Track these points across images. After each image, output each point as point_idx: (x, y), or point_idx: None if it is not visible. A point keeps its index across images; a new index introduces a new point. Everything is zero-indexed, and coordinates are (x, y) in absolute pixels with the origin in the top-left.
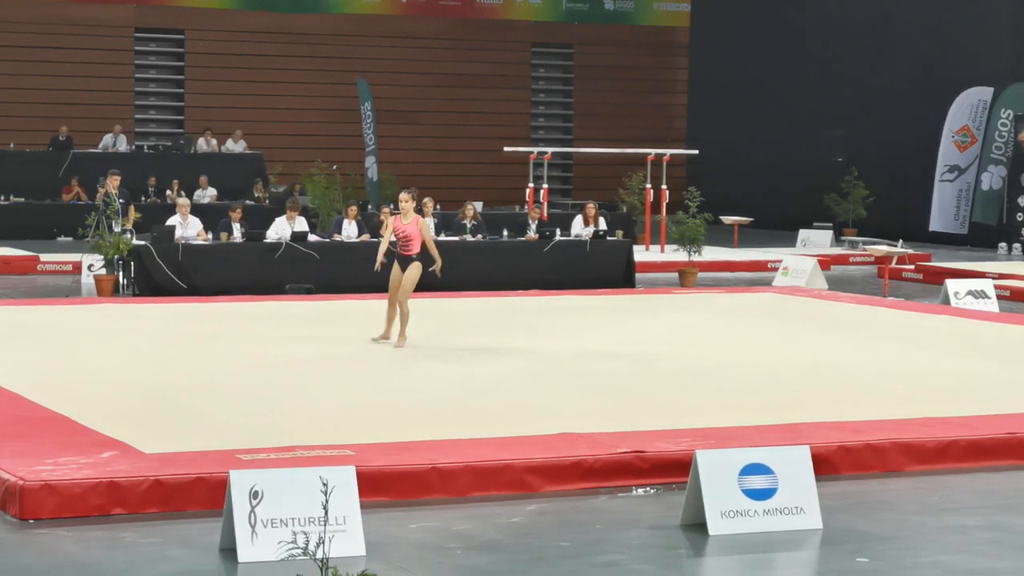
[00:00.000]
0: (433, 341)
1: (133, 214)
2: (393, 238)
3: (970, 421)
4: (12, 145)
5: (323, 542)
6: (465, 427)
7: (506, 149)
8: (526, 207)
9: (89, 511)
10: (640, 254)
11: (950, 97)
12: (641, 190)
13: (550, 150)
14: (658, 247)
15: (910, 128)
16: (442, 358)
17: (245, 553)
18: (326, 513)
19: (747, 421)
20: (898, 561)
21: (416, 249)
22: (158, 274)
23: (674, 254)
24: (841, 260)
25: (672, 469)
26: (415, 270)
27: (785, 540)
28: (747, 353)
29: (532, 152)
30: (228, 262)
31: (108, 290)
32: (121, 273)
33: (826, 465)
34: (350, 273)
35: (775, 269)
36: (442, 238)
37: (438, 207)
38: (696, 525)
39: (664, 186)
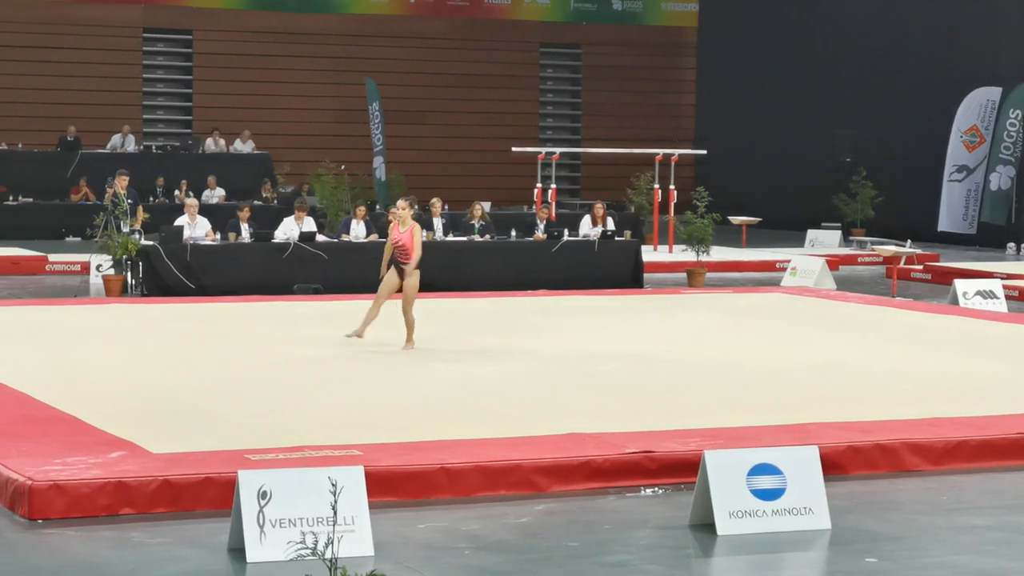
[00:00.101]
0: (441, 341)
1: (141, 214)
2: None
3: (979, 421)
4: (20, 145)
5: (332, 542)
6: (473, 427)
7: (514, 149)
8: (534, 207)
9: (97, 511)
10: (648, 254)
11: (958, 97)
12: (649, 190)
13: (558, 150)
14: (666, 247)
15: (918, 128)
16: (450, 358)
17: (254, 553)
18: (335, 513)
19: (756, 421)
20: (907, 561)
21: (414, 258)
22: (166, 274)
23: (682, 254)
24: (849, 260)
25: (680, 469)
26: (415, 280)
27: (794, 540)
28: (755, 353)
29: (540, 152)
30: (236, 262)
31: (116, 290)
32: (129, 273)
33: (835, 465)
34: (358, 273)
35: (783, 269)
36: (450, 238)
37: (446, 207)
38: (704, 525)
39: (672, 186)
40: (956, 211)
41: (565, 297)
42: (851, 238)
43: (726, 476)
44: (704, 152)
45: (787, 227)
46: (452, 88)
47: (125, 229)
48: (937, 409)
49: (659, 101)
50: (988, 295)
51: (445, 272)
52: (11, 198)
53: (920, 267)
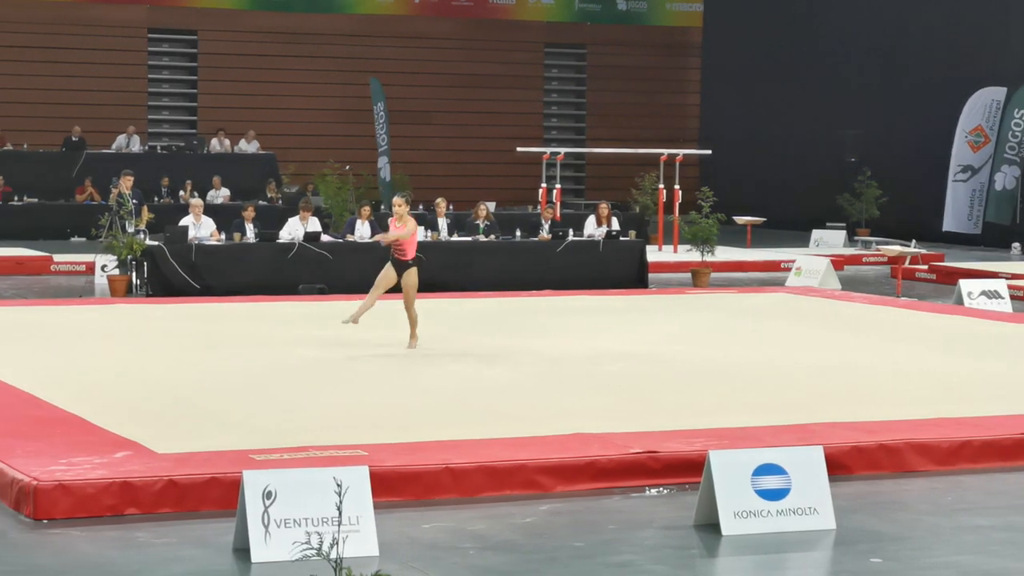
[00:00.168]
0: (446, 341)
1: (146, 214)
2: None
3: (984, 421)
4: (26, 146)
5: (336, 542)
6: (478, 427)
7: (519, 149)
8: (539, 207)
9: (103, 511)
10: (653, 254)
11: (963, 97)
12: (654, 190)
13: (563, 150)
14: (671, 247)
15: (923, 128)
16: (455, 359)
17: (258, 553)
18: (340, 513)
19: (760, 421)
20: (912, 561)
21: (411, 254)
22: (171, 274)
23: (687, 254)
24: (854, 260)
25: (685, 469)
26: (413, 276)
27: (798, 540)
28: (760, 353)
29: (545, 152)
30: (241, 262)
31: (121, 290)
32: (134, 273)
33: (839, 465)
34: (363, 274)
35: (788, 269)
36: (455, 238)
37: (451, 207)
38: (709, 525)
39: (677, 186)
40: (961, 211)
41: (570, 297)
42: (856, 238)
43: (731, 476)
44: (709, 152)
45: (792, 227)
46: (457, 88)
47: (130, 229)
48: (942, 409)
49: (664, 101)
50: (993, 295)
51: (450, 272)
52: (16, 198)
53: (925, 267)
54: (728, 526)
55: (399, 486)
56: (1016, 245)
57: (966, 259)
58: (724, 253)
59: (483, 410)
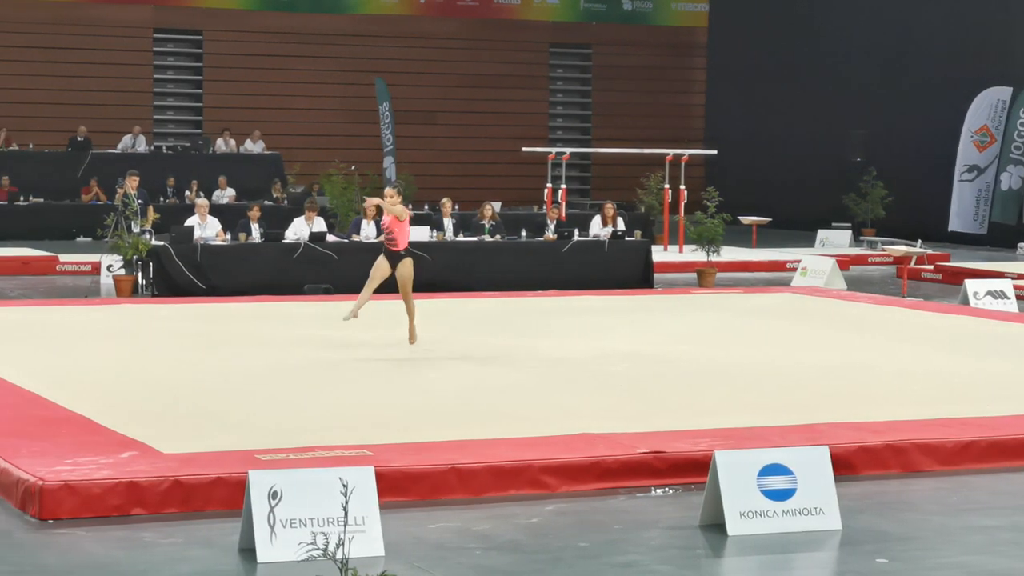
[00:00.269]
0: (451, 341)
1: (152, 214)
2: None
3: (990, 421)
4: (31, 146)
5: (342, 543)
6: (484, 427)
7: (524, 149)
8: (544, 207)
9: (108, 511)
10: (658, 254)
11: (969, 97)
12: (659, 190)
13: (568, 150)
14: (676, 247)
15: (929, 128)
16: (460, 358)
17: (264, 553)
18: (346, 514)
19: (766, 421)
20: (918, 562)
21: (403, 244)
22: (177, 274)
23: (692, 254)
24: (860, 260)
25: (691, 469)
26: (408, 267)
27: (804, 541)
28: (766, 353)
29: (550, 152)
30: (246, 262)
31: (127, 290)
32: (140, 273)
33: (845, 465)
34: (368, 273)
35: (794, 269)
36: (460, 238)
37: (456, 207)
38: (715, 526)
39: (682, 186)
40: (967, 211)
41: (575, 297)
42: (861, 238)
43: (736, 476)
44: (714, 152)
45: (797, 227)
46: (462, 88)
47: (136, 229)
48: (948, 409)
49: (669, 101)
50: (999, 295)
51: (455, 272)
52: (22, 198)
53: (931, 267)
54: (734, 526)
55: (405, 486)
56: (1022, 245)
57: (972, 259)
58: (729, 253)
59: (488, 410)
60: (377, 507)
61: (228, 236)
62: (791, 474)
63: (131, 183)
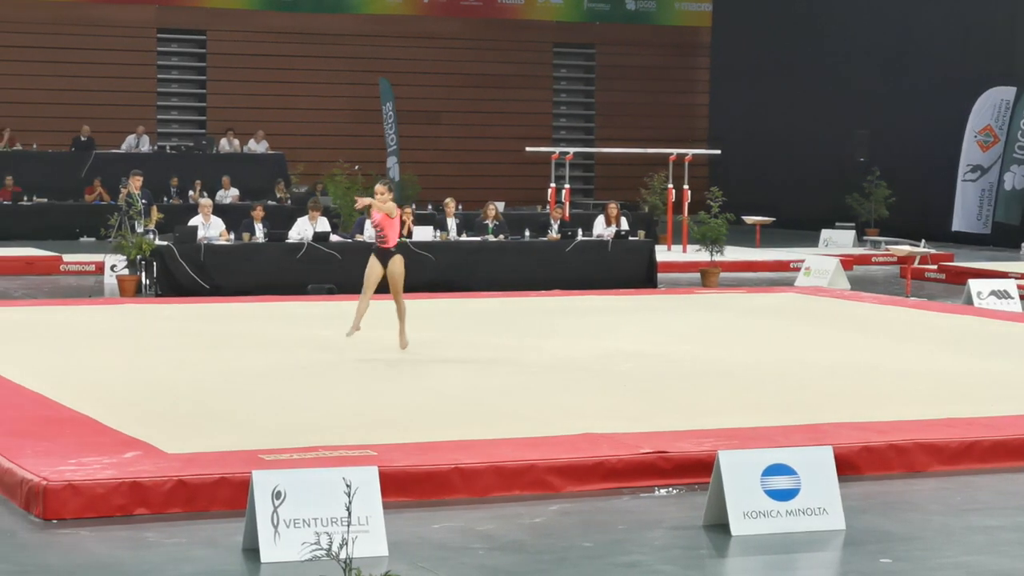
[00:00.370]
0: (454, 341)
1: (155, 214)
2: (371, 234)
3: (994, 421)
4: (35, 146)
5: (346, 543)
6: (488, 427)
7: (528, 149)
8: (548, 207)
9: (112, 511)
10: (662, 254)
11: (972, 97)
12: (663, 190)
13: (572, 150)
14: (680, 247)
15: (932, 128)
16: (464, 358)
17: (268, 553)
18: (349, 514)
19: (770, 421)
20: (922, 562)
21: (393, 241)
22: (180, 274)
23: (696, 254)
24: (863, 260)
25: (695, 469)
26: (399, 264)
27: (808, 541)
28: (769, 353)
29: (554, 152)
30: (250, 262)
31: (131, 290)
32: (143, 273)
33: (849, 465)
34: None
35: (797, 269)
36: (464, 238)
37: (460, 207)
38: (719, 526)
39: (686, 186)
40: (970, 211)
41: (579, 297)
42: (865, 238)
43: (740, 476)
44: (718, 152)
45: (801, 227)
46: (466, 88)
47: (139, 229)
48: (951, 409)
49: (673, 101)
50: (1002, 295)
51: (458, 272)
52: (26, 198)
53: (934, 267)
54: (737, 526)
55: (409, 486)
56: None
57: (975, 259)
58: (733, 253)
59: (492, 410)
60: (381, 507)
61: (232, 236)
62: (795, 474)
63: (135, 183)
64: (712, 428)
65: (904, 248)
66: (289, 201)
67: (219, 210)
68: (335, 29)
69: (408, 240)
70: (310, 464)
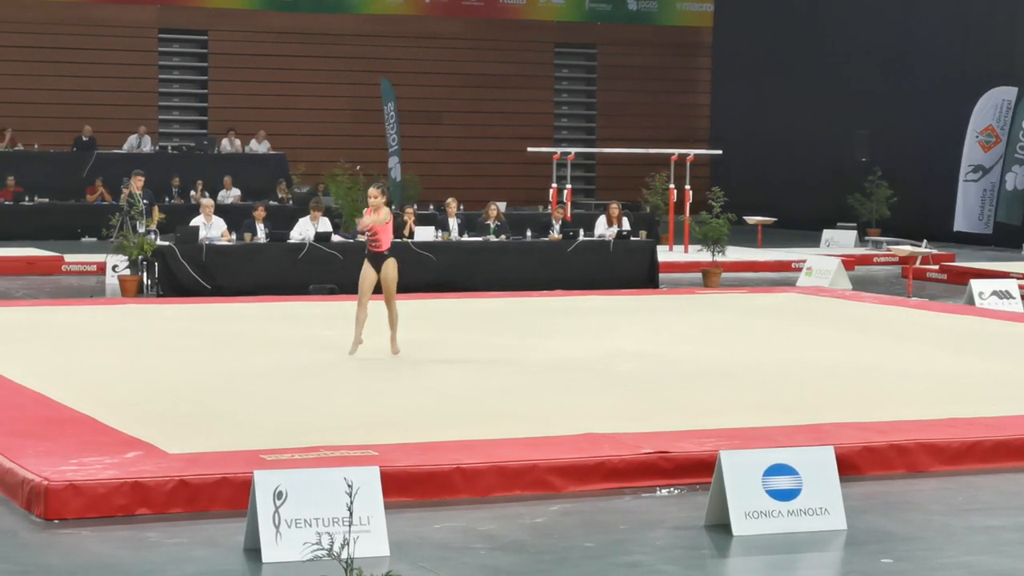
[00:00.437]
0: (456, 341)
1: (157, 215)
2: (363, 237)
3: (995, 421)
4: (37, 146)
5: (347, 543)
6: (489, 427)
7: (529, 149)
8: (549, 207)
9: (114, 511)
10: (663, 254)
11: (974, 97)
12: (664, 190)
13: (573, 150)
14: (682, 247)
15: (934, 128)
16: (466, 358)
17: (269, 553)
18: (351, 514)
19: (771, 421)
20: (923, 562)
21: (386, 245)
22: (182, 275)
23: (698, 254)
24: (865, 260)
25: (696, 469)
26: (392, 268)
27: (809, 541)
28: (771, 353)
29: (555, 152)
30: (252, 263)
31: (132, 291)
32: (145, 274)
33: (850, 466)
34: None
35: (799, 269)
36: (465, 238)
37: (461, 207)
38: (720, 526)
39: (687, 186)
40: (972, 211)
41: (580, 297)
42: (867, 238)
43: (742, 476)
44: (719, 152)
45: (802, 227)
46: (467, 88)
47: (141, 229)
48: (953, 409)
49: (674, 101)
50: (1004, 295)
51: (460, 272)
52: (27, 198)
53: (936, 267)
54: (739, 526)
55: (410, 486)
56: None
57: (977, 259)
58: (735, 253)
59: (494, 410)
60: (382, 507)
61: (233, 236)
62: (796, 474)
63: (136, 183)
64: (713, 428)
65: (906, 248)
66: (291, 201)
67: (220, 210)
68: (336, 29)
69: (410, 240)
70: (312, 464)
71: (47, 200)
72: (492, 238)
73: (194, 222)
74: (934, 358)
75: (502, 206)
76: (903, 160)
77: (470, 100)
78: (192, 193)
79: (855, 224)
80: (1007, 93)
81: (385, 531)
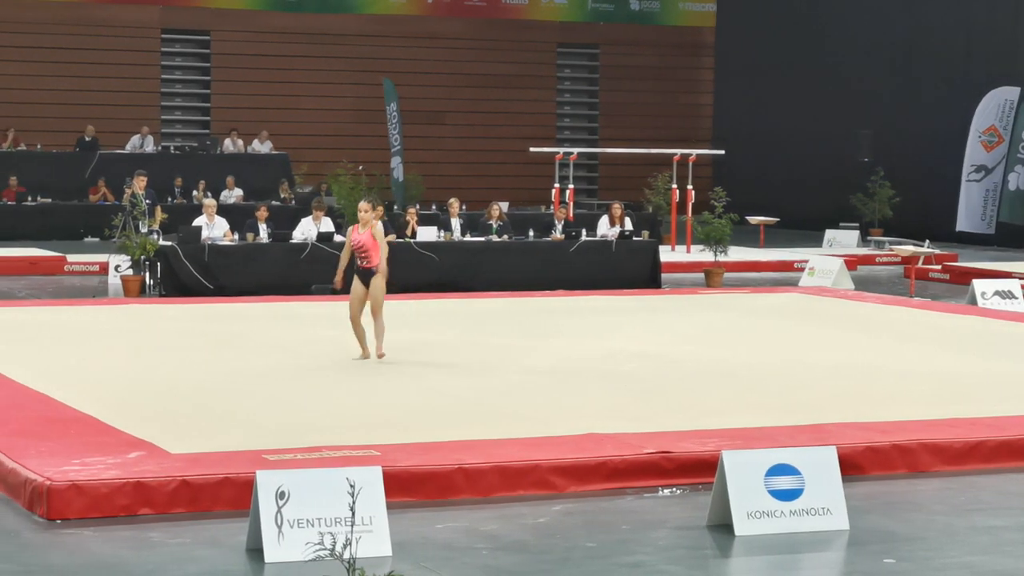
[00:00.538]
0: (458, 341)
1: (160, 215)
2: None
3: (998, 421)
4: (39, 146)
5: (350, 543)
6: (491, 427)
7: (532, 149)
8: (552, 207)
9: (116, 511)
10: (666, 254)
11: (977, 97)
12: (667, 190)
13: (576, 150)
14: (684, 247)
15: (936, 128)
16: (467, 358)
17: (272, 553)
18: (353, 514)
19: (773, 421)
20: (925, 562)
21: (375, 261)
22: (184, 275)
23: (700, 254)
24: (867, 260)
25: (698, 469)
26: (380, 283)
27: (811, 541)
28: (773, 353)
29: (558, 152)
30: (254, 263)
31: (135, 291)
32: (148, 274)
33: (853, 466)
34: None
35: (801, 269)
36: (468, 238)
37: (464, 207)
38: (722, 526)
39: (690, 186)
40: (974, 211)
41: (583, 297)
42: (869, 238)
43: (744, 476)
44: (722, 152)
45: (805, 227)
46: (470, 88)
47: (143, 229)
48: (955, 410)
49: (677, 101)
50: (1007, 295)
51: (462, 272)
52: (30, 198)
53: (938, 267)
54: (741, 526)
55: (412, 486)
56: None
57: (979, 259)
58: (737, 253)
59: (496, 410)
60: (384, 507)
61: (236, 236)
62: (798, 474)
63: (139, 183)
64: (716, 428)
65: (908, 248)
66: (293, 201)
67: (223, 210)
68: (339, 29)
69: (412, 240)
70: (314, 464)
71: (50, 200)
72: (494, 238)
73: (197, 222)
74: (936, 358)
75: (504, 206)
76: (905, 160)
77: (472, 100)
78: (194, 193)
79: (857, 224)
80: (1010, 93)
81: (387, 531)
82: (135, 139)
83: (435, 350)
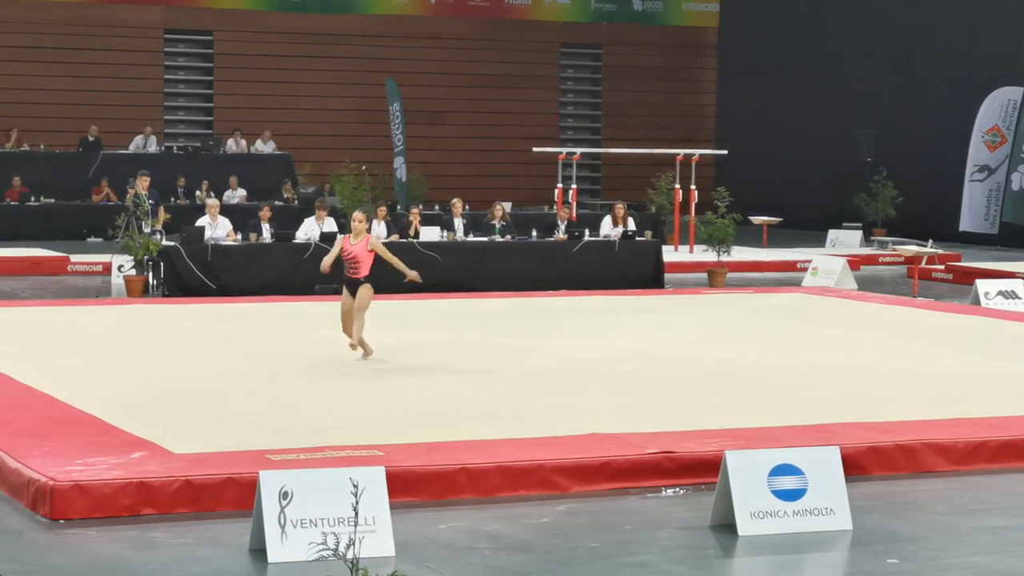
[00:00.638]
0: (462, 341)
1: (163, 215)
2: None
3: (1001, 422)
4: (42, 146)
5: (353, 543)
6: (494, 427)
7: (535, 149)
8: (555, 207)
9: (119, 511)
10: (669, 254)
11: (980, 97)
12: (670, 190)
13: (579, 150)
14: (687, 247)
15: (940, 128)
16: (470, 358)
17: (275, 553)
18: (356, 514)
19: (777, 422)
20: (929, 562)
21: (365, 272)
22: (187, 275)
23: (703, 254)
24: (871, 260)
25: (702, 469)
26: (368, 291)
27: (815, 541)
28: (776, 353)
29: (561, 152)
30: (257, 263)
31: (138, 291)
32: (151, 274)
33: (856, 466)
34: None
35: (804, 269)
36: (471, 238)
37: (467, 207)
38: (726, 526)
39: (693, 186)
40: (977, 211)
41: (586, 297)
42: (872, 238)
43: (747, 476)
44: (725, 152)
45: (808, 227)
46: (473, 88)
47: (146, 230)
48: (958, 409)
49: (680, 101)
50: (1010, 295)
51: (465, 272)
52: (33, 199)
53: (941, 267)
54: (744, 526)
55: (415, 486)
56: None
57: (983, 259)
58: (740, 253)
59: (499, 410)
60: (388, 507)
61: (239, 236)
62: (801, 474)
63: (142, 183)
64: (719, 428)
65: (911, 248)
66: (296, 201)
67: (226, 210)
68: (342, 29)
69: (415, 240)
70: (317, 464)
71: (53, 200)
72: (497, 238)
73: (200, 222)
74: (940, 358)
75: (507, 206)
76: (908, 160)
77: (475, 100)
78: (198, 193)
79: (860, 224)
80: (1013, 93)
81: (390, 531)
82: (138, 139)
83: (438, 350)
